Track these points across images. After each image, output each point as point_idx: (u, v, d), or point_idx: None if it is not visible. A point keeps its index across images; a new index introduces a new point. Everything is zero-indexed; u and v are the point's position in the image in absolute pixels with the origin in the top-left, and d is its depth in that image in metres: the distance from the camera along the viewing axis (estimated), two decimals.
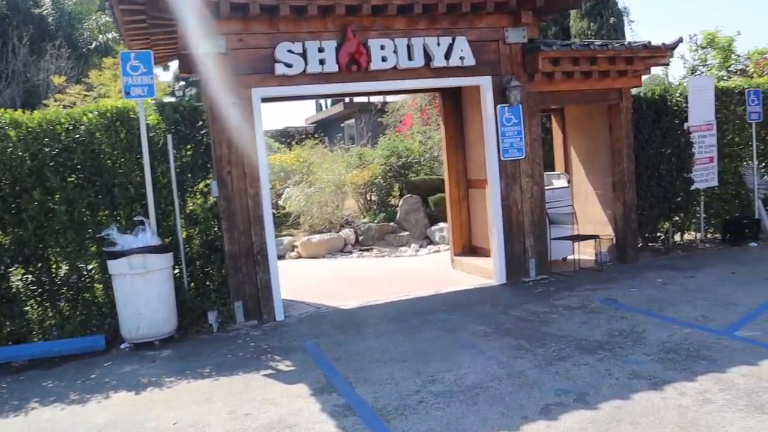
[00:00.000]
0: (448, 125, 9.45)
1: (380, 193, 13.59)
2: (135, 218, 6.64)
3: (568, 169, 9.97)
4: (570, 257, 9.33)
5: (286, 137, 28.14)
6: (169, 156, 6.92)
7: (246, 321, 7.05)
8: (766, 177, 10.36)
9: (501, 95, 7.89)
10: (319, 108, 39.14)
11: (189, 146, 7.16)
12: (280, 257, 12.37)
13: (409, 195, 12.88)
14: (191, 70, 8.05)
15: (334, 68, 7.11)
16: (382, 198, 13.61)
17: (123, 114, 6.83)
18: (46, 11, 25.35)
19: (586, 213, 9.35)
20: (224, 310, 7.04)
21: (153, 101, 7.11)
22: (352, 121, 25.40)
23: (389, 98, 24.46)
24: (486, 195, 8.75)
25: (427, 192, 12.99)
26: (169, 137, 6.91)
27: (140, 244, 6.35)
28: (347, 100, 30.88)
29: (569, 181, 9.47)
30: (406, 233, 12.55)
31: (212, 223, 7.24)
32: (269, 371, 5.49)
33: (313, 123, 29.51)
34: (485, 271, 8.63)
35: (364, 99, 26.51)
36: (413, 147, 14.08)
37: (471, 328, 6.19)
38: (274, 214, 15.14)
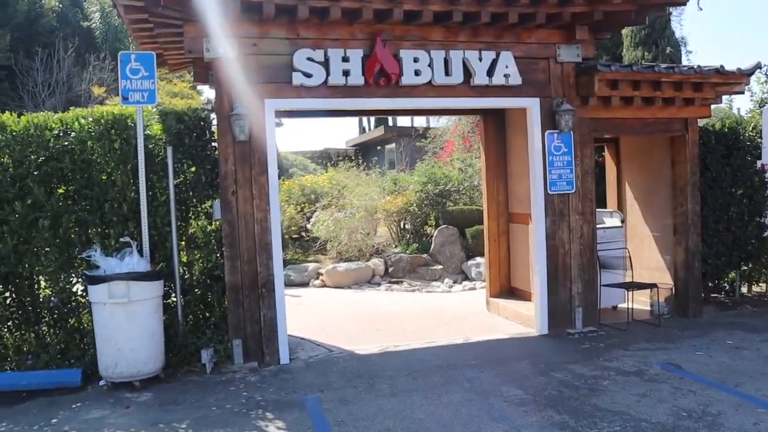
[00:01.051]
0: (489, 152, 8.50)
1: (414, 222, 12.66)
2: (124, 239, 5.84)
3: (621, 207, 8.89)
4: (621, 306, 8.24)
5: (326, 159, 27.59)
6: (168, 170, 6.14)
7: (245, 362, 6.15)
8: None
9: (550, 120, 6.92)
10: (362, 131, 38.66)
11: (194, 161, 6.39)
12: (303, 285, 11.61)
13: (445, 226, 11.91)
14: (206, 79, 7.34)
15: (360, 81, 6.26)
16: (416, 227, 12.68)
17: (120, 121, 6.10)
18: (94, 24, 25.49)
19: (640, 257, 8.23)
20: (221, 349, 6.17)
21: (155, 109, 6.37)
22: (393, 145, 24.64)
23: (432, 123, 23.77)
24: (529, 232, 7.75)
25: (465, 223, 12.00)
26: (170, 150, 6.14)
27: (125, 270, 5.54)
28: (389, 122, 30.28)
29: (623, 221, 8.38)
30: (440, 267, 11.56)
31: (215, 248, 6.42)
32: None
33: (354, 146, 28.85)
34: (524, 318, 7.59)
35: (405, 123, 25.86)
36: (452, 174, 13.15)
37: (505, 393, 5.16)
38: (301, 237, 14.48)
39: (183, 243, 6.50)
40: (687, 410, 4.67)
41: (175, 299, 6.30)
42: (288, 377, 5.82)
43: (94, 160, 6.08)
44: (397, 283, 11.28)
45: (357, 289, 11.03)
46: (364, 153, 25.99)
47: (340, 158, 21.93)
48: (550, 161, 6.94)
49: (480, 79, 6.56)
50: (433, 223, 12.52)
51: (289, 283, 11.59)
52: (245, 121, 5.96)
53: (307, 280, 11.69)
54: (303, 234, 14.00)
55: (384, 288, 11.03)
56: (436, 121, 21.23)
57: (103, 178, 6.12)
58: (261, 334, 6.23)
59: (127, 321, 5.44)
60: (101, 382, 5.68)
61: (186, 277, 6.47)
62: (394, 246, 12.62)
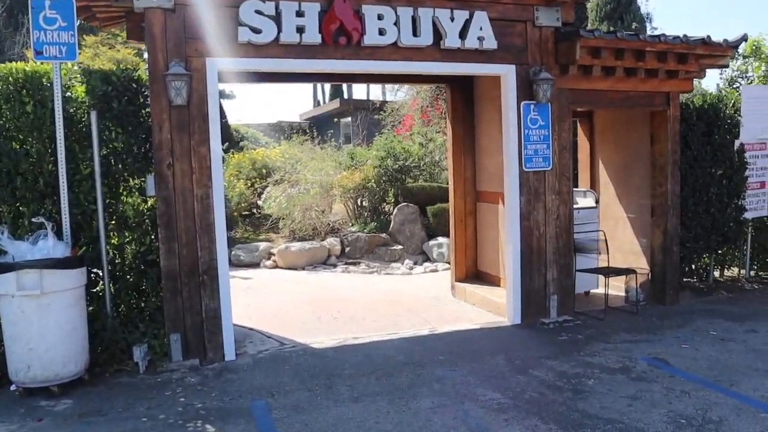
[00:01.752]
0: (456, 125, 7.83)
1: (372, 199, 11.96)
2: (37, 219, 4.97)
3: (594, 187, 8.37)
4: (593, 291, 7.77)
5: (279, 132, 26.57)
6: (93, 139, 5.28)
7: (184, 360, 5.40)
8: None
9: (526, 90, 6.28)
10: (316, 104, 37.62)
11: (124, 129, 5.53)
12: (254, 265, 10.82)
13: (405, 203, 11.25)
14: (141, 36, 6.42)
15: (317, 39, 5.48)
16: (374, 204, 11.99)
17: (32, 80, 5.20)
18: None
19: (614, 240, 7.73)
20: (156, 345, 5.39)
21: (76, 67, 5.49)
22: (349, 119, 23.81)
23: (389, 96, 22.98)
24: (499, 212, 7.17)
25: (426, 201, 11.37)
26: (94, 115, 5.27)
27: (38, 255, 4.70)
28: (345, 94, 29.35)
29: (597, 201, 7.86)
30: (400, 247, 10.93)
31: (149, 229, 5.61)
32: None
33: (308, 119, 27.85)
34: (494, 306, 7.02)
35: (361, 96, 25.05)
36: (412, 149, 12.47)
37: (481, 396, 4.55)
38: (252, 214, 13.63)
39: (113, 223, 5.67)
40: (685, 416, 4.14)
41: (102, 288, 5.49)
42: (233, 378, 5.10)
43: (2, 125, 5.17)
44: (354, 264, 10.60)
45: (311, 271, 10.31)
46: (318, 126, 25.09)
47: (294, 131, 21.05)
48: (526, 135, 6.32)
49: (451, 41, 5.86)
50: (393, 201, 11.86)
51: (239, 264, 10.82)
52: (183, 82, 5.13)
53: (258, 261, 10.91)
54: (254, 211, 13.17)
55: (340, 269, 10.34)
56: (393, 95, 20.53)
57: (16, 146, 5.23)
58: (203, 327, 5.48)
59: (40, 316, 4.61)
60: (12, 387, 4.86)
61: (117, 262, 5.65)
62: (350, 224, 11.92)
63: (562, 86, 6.43)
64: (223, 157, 14.64)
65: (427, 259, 10.84)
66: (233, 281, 9.58)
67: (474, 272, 8.05)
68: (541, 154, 6.36)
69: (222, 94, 47.29)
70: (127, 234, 5.59)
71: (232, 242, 11.56)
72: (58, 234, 5.11)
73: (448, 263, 10.17)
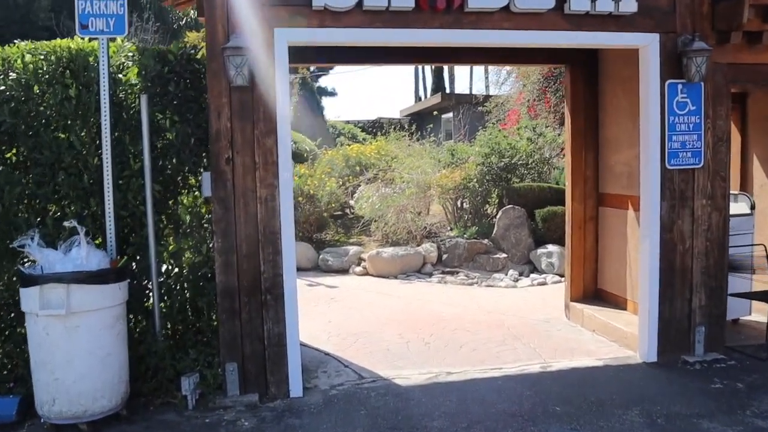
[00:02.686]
0: (577, 114, 6.53)
1: (474, 201, 10.76)
2: (68, 224, 4.22)
3: (746, 188, 6.83)
4: (744, 319, 6.28)
5: (378, 128, 25.81)
6: (143, 127, 4.49)
7: (242, 395, 4.51)
8: None
9: (673, 66, 4.94)
10: (417, 99, 36.72)
11: (181, 117, 4.72)
12: (343, 271, 9.94)
13: (510, 206, 10.00)
14: None
15: (410, 3, 4.43)
16: (476, 206, 10.79)
17: (77, 59, 4.48)
18: None
19: None
20: (209, 375, 4.53)
21: (128, 43, 4.73)
22: (450, 114, 22.66)
23: (493, 90, 21.61)
24: (629, 219, 5.86)
25: (534, 204, 10.06)
26: (144, 99, 4.48)
27: (69, 266, 3.94)
28: (447, 89, 28.25)
29: (752, 207, 6.34)
30: (504, 255, 9.69)
31: (207, 236, 4.77)
32: None
33: (408, 115, 26.92)
34: (620, 335, 5.71)
35: (463, 90, 23.82)
36: (519, 145, 11.15)
37: None
38: (345, 214, 12.80)
39: (170, 228, 4.88)
40: None
41: (152, 303, 4.70)
42: (296, 424, 4.13)
43: (44, 112, 4.48)
44: (451, 273, 9.48)
45: (404, 280, 9.29)
46: (419, 122, 24.12)
47: (393, 127, 20.19)
48: (671, 123, 4.98)
49: (578, 3, 4.62)
50: (496, 203, 10.63)
51: (327, 269, 9.97)
52: (245, 57, 4.22)
53: (347, 266, 10.01)
54: (347, 211, 12.31)
55: (436, 279, 9.25)
56: (497, 88, 19.21)
57: (60, 137, 4.52)
58: (264, 355, 4.57)
59: (67, 340, 3.84)
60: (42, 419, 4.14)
61: (172, 273, 4.85)
62: (449, 228, 10.79)
63: (718, 60, 5.02)
64: (315, 153, 13.94)
65: (534, 269, 9.55)
66: (317, 290, 8.80)
67: (593, 290, 6.73)
68: (689, 148, 5.00)
69: (324, 91, 47.50)
70: (182, 241, 4.77)
71: (321, 245, 10.76)
72: (96, 240, 4.36)
73: (559, 275, 8.90)
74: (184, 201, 4.77)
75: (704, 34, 4.92)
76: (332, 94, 47.40)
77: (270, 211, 4.48)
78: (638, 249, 5.44)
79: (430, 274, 9.51)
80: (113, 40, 4.61)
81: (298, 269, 10.26)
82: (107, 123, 4.40)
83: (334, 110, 56.97)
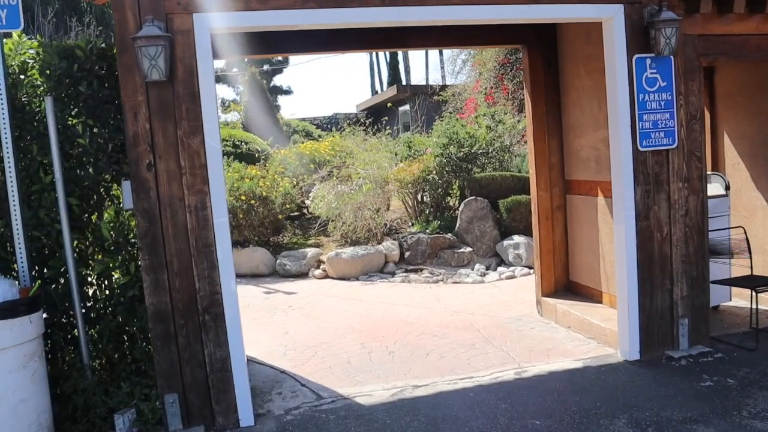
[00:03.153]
0: (537, 97, 6.12)
1: (435, 194, 10.33)
2: None
3: (717, 168, 6.53)
4: (724, 305, 5.99)
5: (334, 124, 25.24)
6: (50, 134, 3.91)
7: (185, 428, 3.98)
8: None
9: (639, 39, 4.55)
10: (374, 93, 36.25)
11: (97, 120, 4.15)
12: (302, 275, 9.42)
13: (472, 197, 9.59)
14: None
15: None
16: (437, 199, 10.36)
17: None
18: None
19: (751, 236, 5.88)
20: (146, 409, 3.98)
21: (27, 38, 4.14)
22: (407, 107, 22.22)
23: (449, 80, 21.22)
24: (599, 206, 5.49)
25: (498, 194, 9.67)
26: (49, 101, 3.90)
27: None
28: (403, 81, 27.83)
29: (727, 188, 6.02)
30: (469, 249, 9.28)
31: (134, 253, 4.21)
32: None
33: (364, 109, 26.40)
34: (597, 332, 5.33)
35: (419, 80, 23.38)
36: (478, 133, 10.75)
37: None
38: (302, 215, 12.24)
39: (96, 246, 4.31)
40: None
41: (76, 333, 4.13)
42: None
43: None
44: (415, 271, 9.04)
45: (366, 281, 8.81)
46: (376, 116, 23.64)
47: (350, 122, 19.71)
48: (641, 101, 4.58)
49: None
50: (458, 195, 10.22)
51: (285, 274, 9.44)
52: (160, 47, 3.67)
53: (306, 270, 9.49)
54: (304, 211, 11.77)
55: (399, 279, 8.79)
56: (453, 77, 18.83)
57: None
58: (208, 383, 4.04)
59: None
60: None
61: (101, 297, 4.29)
62: (410, 224, 10.35)
63: (688, 32, 4.65)
64: (268, 154, 13.34)
65: (502, 262, 9.17)
66: (275, 298, 8.26)
67: (565, 283, 6.36)
68: (662, 127, 4.62)
69: (279, 90, 46.62)
70: (106, 260, 4.21)
71: (278, 249, 10.21)
72: (5, 266, 3.78)
73: (527, 267, 8.54)
74: (105, 215, 4.20)
75: (671, 3, 4.53)
76: (287, 92, 46.36)
77: (201, 220, 3.94)
78: (611, 238, 5.07)
79: (393, 273, 9.06)
80: (8, 35, 4.01)
81: (255, 276, 9.80)
82: (8, 131, 3.81)
83: (290, 108, 56.07)
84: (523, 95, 12.00)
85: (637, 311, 4.73)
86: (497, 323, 6.16)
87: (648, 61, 4.55)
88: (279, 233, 10.95)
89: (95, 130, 4.12)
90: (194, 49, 3.86)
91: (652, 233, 4.70)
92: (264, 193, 10.12)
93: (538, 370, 4.74)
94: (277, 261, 9.65)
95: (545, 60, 6.03)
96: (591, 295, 5.95)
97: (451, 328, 6.08)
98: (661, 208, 4.70)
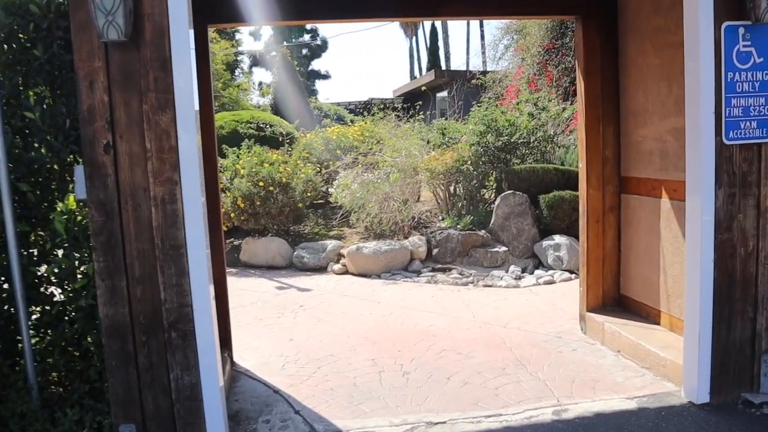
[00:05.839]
0: (592, 76, 5.19)
1: (468, 186, 9.45)
2: None
3: None
4: None
5: (368, 110, 24.44)
6: None
7: None
8: None
9: (730, 2, 3.62)
10: (413, 78, 35.28)
11: (54, 89, 3.42)
12: (321, 270, 8.68)
13: (510, 191, 8.68)
14: None
15: None
16: (470, 192, 9.49)
17: None
18: None
19: None
20: None
21: None
22: (444, 93, 21.27)
23: (490, 66, 20.19)
24: (662, 210, 4.57)
25: (538, 188, 8.75)
26: None
27: None
28: (443, 65, 26.83)
29: None
30: (503, 248, 8.39)
31: (89, 253, 3.48)
32: None
33: (401, 95, 25.51)
34: (654, 360, 4.43)
35: (460, 67, 22.39)
36: (519, 121, 9.81)
37: None
38: (327, 203, 11.46)
39: (48, 244, 3.60)
40: None
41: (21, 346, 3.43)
42: None
43: None
44: (443, 271, 8.19)
45: (388, 280, 8.01)
46: (413, 102, 22.79)
47: (385, 108, 18.89)
48: (729, 82, 3.65)
49: None
50: (494, 187, 9.32)
51: (302, 268, 8.72)
52: (123, 5, 2.90)
53: (324, 264, 8.75)
54: (329, 200, 11.00)
55: (425, 279, 7.95)
56: (494, 63, 17.84)
57: None
58: (173, 413, 3.30)
59: None
60: None
61: (49, 306, 3.58)
62: (440, 218, 9.50)
63: None
64: (293, 138, 12.58)
65: (540, 264, 8.26)
66: (287, 294, 7.50)
67: (614, 297, 5.45)
68: (755, 115, 3.68)
69: (317, 74, 45.91)
70: (60, 260, 3.48)
71: (298, 239, 9.48)
72: None
73: (569, 271, 7.64)
74: (59, 205, 3.47)
75: None
76: (326, 77, 45.88)
77: (170, 216, 3.17)
78: (676, 248, 4.18)
79: (419, 272, 8.23)
80: None
81: (271, 268, 9.06)
82: None
83: (327, 93, 55.62)
84: (568, 82, 11.04)
85: (709, 342, 3.83)
86: (533, 340, 5.29)
87: (741, 31, 3.61)
88: (300, 222, 10.23)
89: (49, 101, 3.37)
90: (166, 4, 3.08)
91: (734, 248, 3.78)
92: (284, 180, 9.39)
93: (581, 410, 3.87)
94: (295, 253, 8.92)
95: (603, 33, 5.09)
96: (646, 314, 5.04)
97: (478, 345, 5.24)
98: (747, 217, 3.77)
